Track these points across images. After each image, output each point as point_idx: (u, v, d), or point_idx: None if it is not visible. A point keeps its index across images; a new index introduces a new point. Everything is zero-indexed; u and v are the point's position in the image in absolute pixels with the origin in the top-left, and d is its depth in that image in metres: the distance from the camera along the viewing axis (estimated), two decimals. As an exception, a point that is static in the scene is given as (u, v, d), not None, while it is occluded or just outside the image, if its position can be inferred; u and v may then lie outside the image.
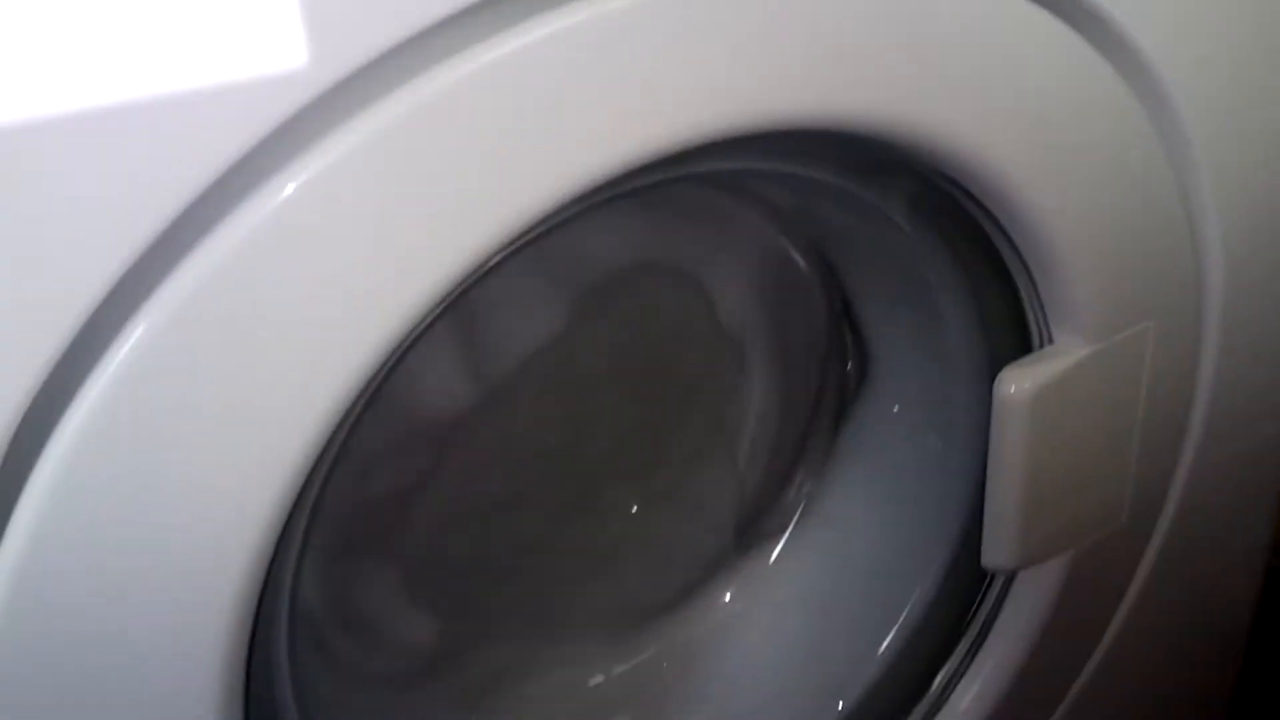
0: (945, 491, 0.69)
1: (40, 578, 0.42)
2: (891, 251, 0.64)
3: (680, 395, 0.74)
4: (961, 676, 0.71)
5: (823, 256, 0.69)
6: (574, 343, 0.68)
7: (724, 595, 0.76)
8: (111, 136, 0.38)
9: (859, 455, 0.75)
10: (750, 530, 0.77)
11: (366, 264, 0.43)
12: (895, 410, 0.72)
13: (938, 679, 0.71)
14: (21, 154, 0.37)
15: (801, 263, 0.69)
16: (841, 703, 0.72)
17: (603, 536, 0.75)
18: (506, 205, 0.44)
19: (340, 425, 0.44)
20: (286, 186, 0.40)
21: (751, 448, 0.76)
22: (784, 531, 0.77)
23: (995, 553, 0.65)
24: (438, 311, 0.45)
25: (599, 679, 0.75)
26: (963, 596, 0.70)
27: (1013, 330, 0.62)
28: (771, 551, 0.77)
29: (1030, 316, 0.62)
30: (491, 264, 0.46)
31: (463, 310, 0.54)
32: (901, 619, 0.71)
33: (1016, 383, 0.60)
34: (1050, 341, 0.62)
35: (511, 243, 0.44)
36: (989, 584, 0.70)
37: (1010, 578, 0.68)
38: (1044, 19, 0.53)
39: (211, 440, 0.42)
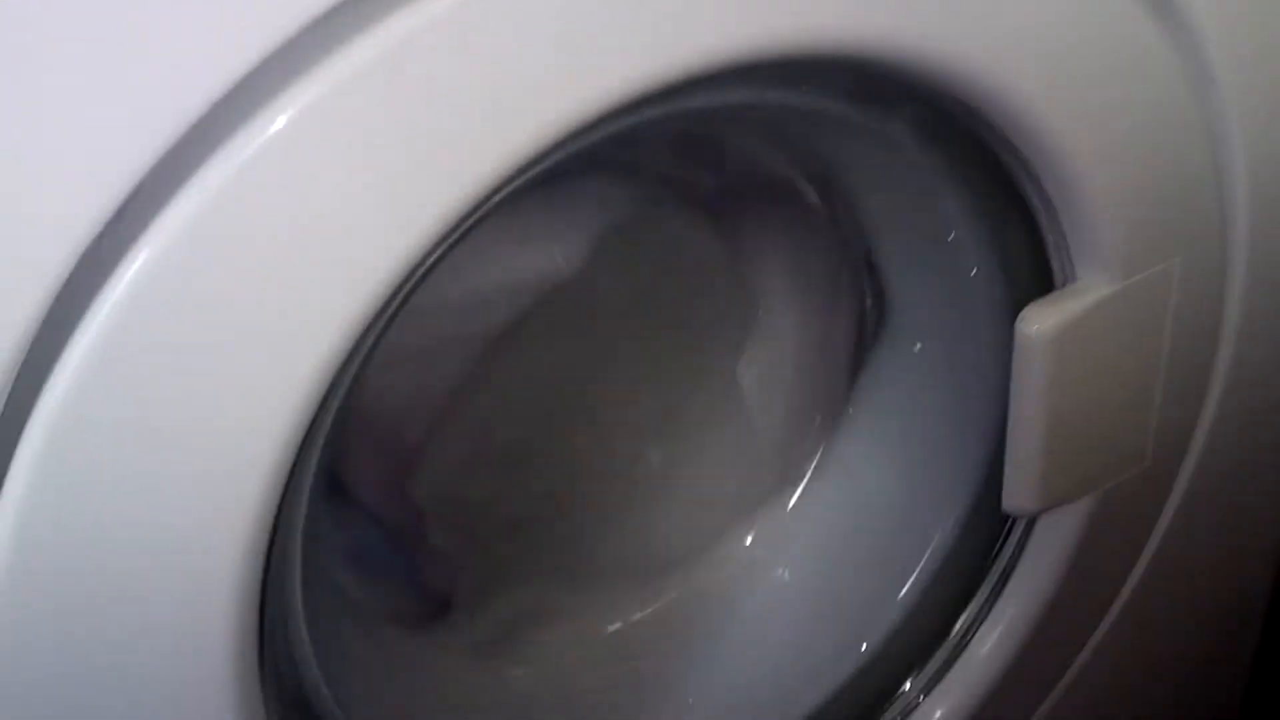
0: (965, 434, 0.69)
1: (46, 515, 0.42)
2: (909, 189, 0.63)
3: (697, 340, 0.73)
4: (983, 622, 0.71)
5: (840, 197, 0.69)
6: (592, 285, 0.67)
7: (744, 540, 0.76)
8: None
9: (878, 398, 0.74)
10: (770, 475, 0.76)
11: (381, 185, 0.42)
12: (915, 350, 0.71)
13: (958, 624, 0.71)
14: None
15: (814, 196, 0.68)
16: (865, 644, 0.71)
17: (620, 483, 0.75)
18: (520, 130, 0.43)
19: (350, 359, 0.44)
20: (299, 98, 0.40)
21: (769, 392, 0.75)
22: (803, 477, 0.76)
23: (1016, 496, 0.64)
24: (454, 239, 0.44)
25: (617, 625, 0.75)
26: (984, 541, 0.70)
27: (1035, 268, 0.62)
28: (791, 496, 0.76)
29: (1052, 254, 0.61)
30: (501, 197, 0.45)
31: (479, 247, 0.53)
32: (922, 563, 0.71)
33: (1039, 321, 0.60)
34: (1073, 280, 0.61)
35: (522, 172, 0.44)
36: (1010, 528, 0.69)
37: (1031, 522, 0.68)
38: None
39: (220, 375, 0.42)
